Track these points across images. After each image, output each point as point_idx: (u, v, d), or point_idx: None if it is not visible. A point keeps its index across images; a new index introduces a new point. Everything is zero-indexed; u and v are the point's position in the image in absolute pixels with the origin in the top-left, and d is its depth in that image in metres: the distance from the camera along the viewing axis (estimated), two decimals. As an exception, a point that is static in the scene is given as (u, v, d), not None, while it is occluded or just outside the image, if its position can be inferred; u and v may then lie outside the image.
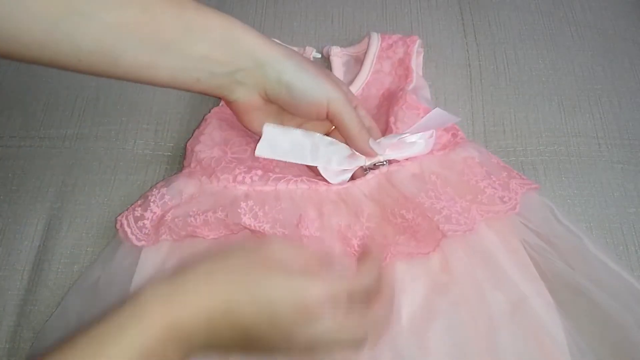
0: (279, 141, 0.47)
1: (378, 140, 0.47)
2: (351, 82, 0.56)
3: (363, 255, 0.39)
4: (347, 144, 0.47)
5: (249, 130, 0.49)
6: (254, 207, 0.45)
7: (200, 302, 0.31)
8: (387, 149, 0.47)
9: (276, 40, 0.46)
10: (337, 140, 0.48)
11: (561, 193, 0.53)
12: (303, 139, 0.47)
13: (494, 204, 0.46)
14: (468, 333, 0.42)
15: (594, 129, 0.57)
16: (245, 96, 0.44)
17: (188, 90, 0.43)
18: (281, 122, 0.47)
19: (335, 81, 0.46)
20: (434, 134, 0.49)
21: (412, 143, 0.48)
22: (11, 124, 0.58)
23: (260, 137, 0.47)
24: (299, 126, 0.48)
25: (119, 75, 0.41)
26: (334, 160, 0.48)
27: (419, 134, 0.47)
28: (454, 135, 0.51)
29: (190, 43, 0.40)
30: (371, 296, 0.36)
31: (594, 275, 0.43)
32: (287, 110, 0.45)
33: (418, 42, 0.57)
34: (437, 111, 0.46)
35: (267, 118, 0.47)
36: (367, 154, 0.47)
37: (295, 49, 0.60)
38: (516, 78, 0.60)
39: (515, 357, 0.41)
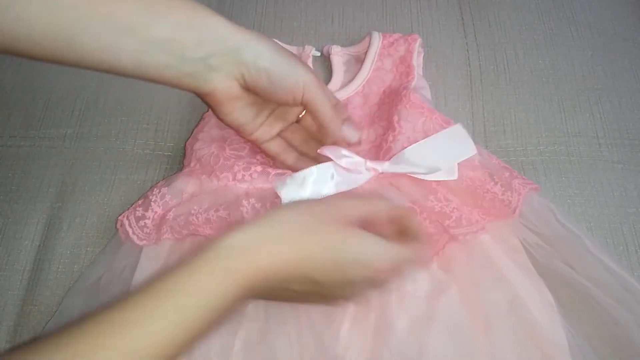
0: (295, 186, 0.46)
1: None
2: (352, 80, 0.56)
3: (403, 224, 0.41)
4: (319, 129, 0.46)
5: (226, 123, 0.46)
6: (256, 204, 0.45)
7: (281, 251, 0.34)
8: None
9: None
10: (349, 152, 0.47)
11: (561, 193, 0.53)
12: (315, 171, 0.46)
13: (494, 207, 0.46)
14: (467, 333, 0.42)
15: (594, 129, 0.57)
16: (223, 85, 0.42)
17: (159, 82, 0.41)
18: (257, 111, 0.46)
19: (306, 65, 0.45)
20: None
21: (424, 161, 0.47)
22: (11, 124, 0.58)
23: (234, 128, 0.47)
24: (271, 112, 0.47)
25: (78, 60, 0.38)
26: (352, 172, 0.47)
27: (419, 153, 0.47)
28: None
29: (152, 25, 0.38)
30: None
31: (594, 275, 0.43)
32: (263, 97, 0.44)
33: (419, 41, 0.57)
34: (452, 134, 0.47)
35: (245, 107, 0.45)
36: (339, 138, 0.46)
37: (295, 48, 0.60)
38: (516, 78, 0.60)
39: (513, 357, 0.41)
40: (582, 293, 0.43)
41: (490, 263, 0.45)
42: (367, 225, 0.38)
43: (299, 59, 0.44)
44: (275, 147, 0.49)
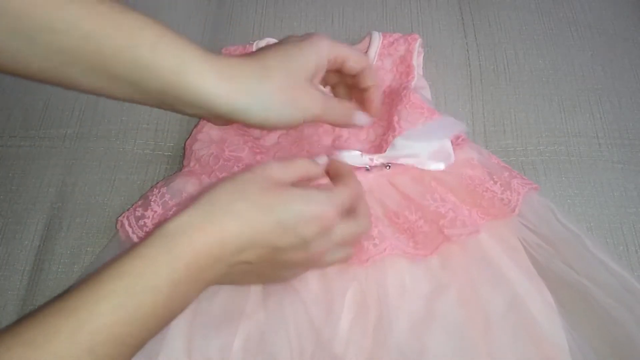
0: None
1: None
2: (351, 80, 0.56)
3: (335, 174, 0.42)
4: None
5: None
6: None
7: (231, 226, 0.34)
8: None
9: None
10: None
11: (561, 193, 0.53)
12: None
13: (493, 206, 0.46)
14: (467, 333, 0.42)
15: (594, 129, 0.57)
16: (221, 123, 0.43)
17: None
18: None
19: (309, 93, 0.41)
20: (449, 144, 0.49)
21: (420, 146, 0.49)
22: (11, 124, 0.58)
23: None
24: None
25: (77, 90, 0.39)
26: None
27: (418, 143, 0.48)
28: (456, 137, 0.51)
29: (142, 79, 0.37)
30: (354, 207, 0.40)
31: (594, 275, 0.43)
32: None
33: (419, 41, 0.57)
34: (443, 121, 0.47)
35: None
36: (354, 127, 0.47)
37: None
38: (516, 78, 0.60)
39: (513, 357, 0.41)
40: (582, 293, 0.43)
41: (490, 262, 0.45)
42: (303, 185, 0.39)
43: (303, 82, 0.40)
44: None
